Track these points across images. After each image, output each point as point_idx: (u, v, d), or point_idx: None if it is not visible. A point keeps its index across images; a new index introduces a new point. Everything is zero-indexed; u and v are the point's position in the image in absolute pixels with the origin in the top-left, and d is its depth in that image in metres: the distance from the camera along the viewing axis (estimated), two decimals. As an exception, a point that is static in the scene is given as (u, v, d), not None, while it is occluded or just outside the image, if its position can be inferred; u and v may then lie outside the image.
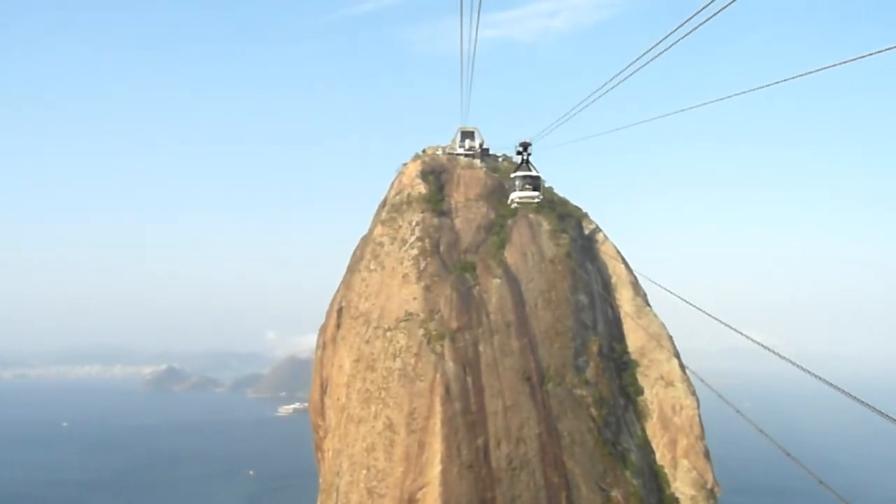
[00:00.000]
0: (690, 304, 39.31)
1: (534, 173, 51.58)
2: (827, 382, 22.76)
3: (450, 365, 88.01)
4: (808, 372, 24.78)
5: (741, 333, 32.70)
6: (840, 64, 18.64)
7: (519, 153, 51.57)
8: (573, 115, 42.38)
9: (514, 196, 52.01)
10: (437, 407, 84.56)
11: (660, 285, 50.86)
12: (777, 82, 22.38)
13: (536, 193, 51.32)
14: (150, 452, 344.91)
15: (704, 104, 30.60)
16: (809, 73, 20.35)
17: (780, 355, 27.35)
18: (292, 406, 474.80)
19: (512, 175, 52.87)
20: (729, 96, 27.00)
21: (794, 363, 26.19)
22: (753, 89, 24.83)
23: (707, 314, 36.75)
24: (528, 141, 50.33)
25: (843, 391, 21.62)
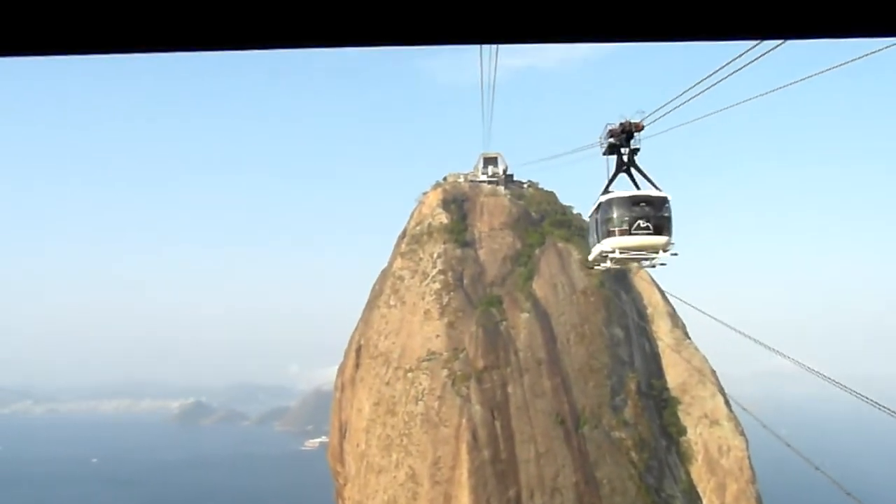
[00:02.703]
0: (731, 327, 36.17)
1: (652, 192, 25.22)
2: (878, 405, 21.59)
3: (476, 408, 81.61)
4: (858, 395, 23.44)
5: (792, 360, 30.07)
6: None
7: (612, 150, 25.90)
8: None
9: (607, 246, 25.32)
10: (464, 455, 78.10)
11: (692, 305, 43.13)
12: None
13: (662, 240, 24.76)
14: (177, 488, 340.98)
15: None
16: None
17: (831, 380, 25.61)
18: (318, 440, 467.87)
19: (601, 199, 25.79)
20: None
21: (847, 388, 24.51)
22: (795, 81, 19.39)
23: (751, 338, 35.92)
24: (636, 122, 25.02)
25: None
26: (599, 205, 26.05)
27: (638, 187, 25.56)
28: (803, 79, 21.70)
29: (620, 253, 25.20)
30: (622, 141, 25.33)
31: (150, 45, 3.57)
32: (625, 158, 25.66)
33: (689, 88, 22.31)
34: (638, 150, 25.45)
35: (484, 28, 3.50)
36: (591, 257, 27.71)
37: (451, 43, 3.62)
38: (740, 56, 18.11)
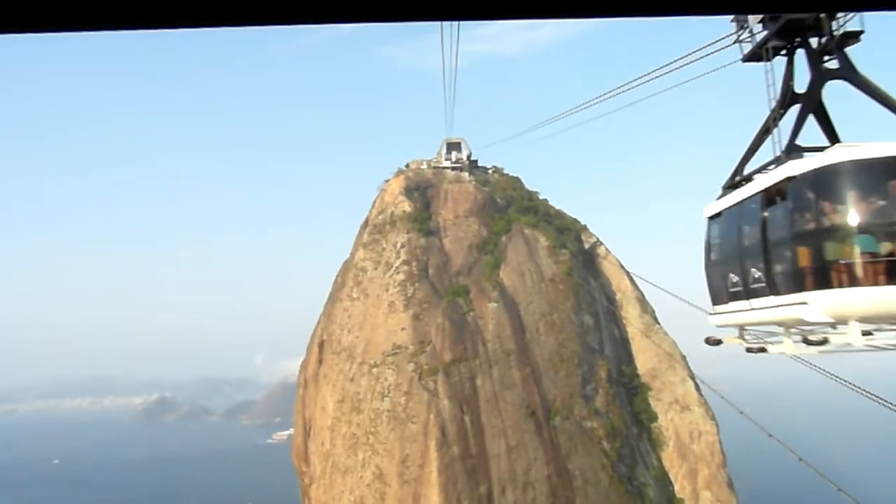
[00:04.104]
0: (694, 304, 32.50)
1: None
2: (846, 383, 19.99)
3: (445, 403, 78.99)
4: (823, 371, 21.61)
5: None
6: None
7: (780, 44, 11.06)
8: None
9: (818, 313, 9.45)
10: (433, 453, 75.48)
11: (658, 286, 40.52)
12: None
13: None
14: (142, 487, 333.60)
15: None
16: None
17: (795, 357, 23.54)
18: (286, 432, 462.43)
19: (798, 170, 9.88)
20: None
21: (812, 365, 22.04)
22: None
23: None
24: None
25: (857, 387, 19.46)
26: (787, 188, 10.26)
27: (837, 138, 11.34)
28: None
29: (860, 330, 9.78)
30: (806, 26, 10.79)
31: (101, 22, 3.29)
32: (817, 66, 11.10)
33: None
34: (857, 34, 10.82)
35: (455, 4, 3.22)
36: (723, 322, 12.49)
37: (421, 19, 3.33)
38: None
